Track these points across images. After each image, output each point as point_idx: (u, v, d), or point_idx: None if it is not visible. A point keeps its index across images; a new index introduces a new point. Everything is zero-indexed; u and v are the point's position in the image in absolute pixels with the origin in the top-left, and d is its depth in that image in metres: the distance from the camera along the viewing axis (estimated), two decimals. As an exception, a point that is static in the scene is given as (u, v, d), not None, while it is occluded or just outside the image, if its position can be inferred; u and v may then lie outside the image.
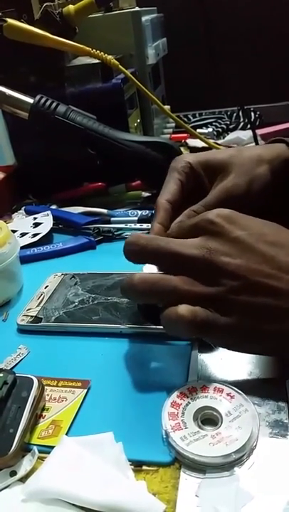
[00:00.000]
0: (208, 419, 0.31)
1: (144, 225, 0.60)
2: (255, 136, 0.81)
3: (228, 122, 1.02)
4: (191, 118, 1.06)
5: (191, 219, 0.36)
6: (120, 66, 0.70)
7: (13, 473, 0.29)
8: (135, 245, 0.35)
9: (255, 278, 0.30)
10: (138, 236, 0.36)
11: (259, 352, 0.34)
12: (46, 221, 0.63)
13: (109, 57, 0.69)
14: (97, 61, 0.70)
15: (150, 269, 0.49)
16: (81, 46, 0.68)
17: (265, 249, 0.31)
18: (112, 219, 0.62)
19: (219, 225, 0.33)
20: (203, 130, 0.95)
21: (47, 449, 0.30)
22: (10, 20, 0.66)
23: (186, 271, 0.33)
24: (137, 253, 0.35)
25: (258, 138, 0.83)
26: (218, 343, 0.35)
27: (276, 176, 0.42)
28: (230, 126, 1.00)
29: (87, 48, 0.68)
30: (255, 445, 0.29)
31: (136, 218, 0.62)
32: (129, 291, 0.35)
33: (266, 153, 0.43)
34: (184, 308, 0.32)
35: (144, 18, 0.80)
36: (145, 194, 0.70)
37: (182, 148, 0.83)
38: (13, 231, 0.61)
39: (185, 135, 0.93)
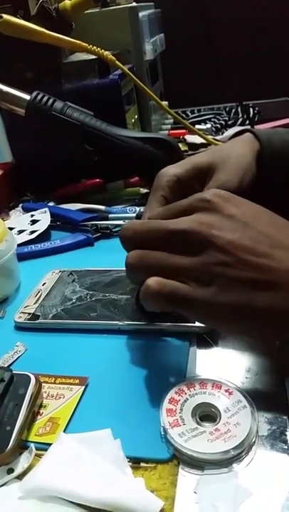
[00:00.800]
0: (207, 415, 0.31)
1: (142, 222, 0.60)
2: (253, 131, 0.81)
3: (226, 118, 1.01)
4: (190, 114, 1.06)
5: (182, 200, 0.35)
6: (117, 62, 0.69)
7: (11, 471, 0.29)
8: (128, 230, 0.35)
9: (245, 256, 0.29)
10: (131, 222, 0.35)
11: (245, 330, 0.32)
12: (44, 218, 0.62)
13: (106, 53, 0.69)
14: (94, 57, 0.69)
15: None
16: (78, 42, 0.68)
17: (260, 228, 0.31)
18: (110, 216, 0.62)
19: (214, 202, 0.32)
20: (202, 126, 0.95)
21: (44, 446, 0.30)
22: (6, 16, 0.65)
23: (176, 245, 0.32)
24: (130, 238, 0.35)
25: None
26: (198, 318, 0.33)
27: (258, 166, 0.42)
28: (229, 122, 1.00)
29: (84, 44, 0.68)
30: (254, 441, 0.29)
31: (134, 215, 0.61)
32: (125, 267, 0.34)
33: (245, 145, 0.43)
34: (151, 280, 0.31)
35: (141, 14, 0.80)
36: (143, 190, 0.70)
37: (180, 145, 0.83)
38: (11, 228, 0.61)
39: (183, 131, 0.92)
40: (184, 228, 0.32)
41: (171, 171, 0.41)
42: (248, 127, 0.87)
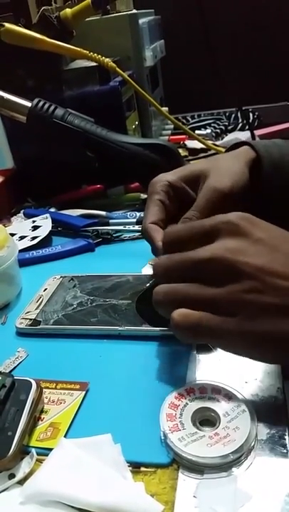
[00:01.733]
0: (206, 420, 0.31)
1: (143, 227, 0.60)
2: (253, 136, 0.82)
3: (226, 123, 1.02)
4: (190, 119, 1.06)
5: (204, 220, 0.34)
6: (118, 69, 0.70)
7: (12, 476, 0.29)
8: (159, 268, 0.34)
9: (276, 281, 0.29)
10: (159, 258, 0.35)
11: (271, 359, 0.31)
12: (45, 224, 0.63)
13: (107, 59, 0.69)
14: (94, 64, 0.70)
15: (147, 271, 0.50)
16: (78, 49, 0.69)
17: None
18: (111, 221, 0.63)
19: (241, 226, 0.31)
20: (202, 131, 0.95)
21: (45, 452, 0.30)
22: (7, 25, 0.66)
23: (204, 275, 0.31)
24: (161, 275, 0.34)
25: (257, 139, 0.83)
26: (227, 349, 0.31)
27: (250, 174, 0.43)
28: (229, 127, 1.00)
29: (85, 51, 0.69)
30: (253, 446, 0.29)
31: (134, 220, 0.62)
32: (153, 302, 0.34)
33: (239, 154, 0.44)
34: (175, 313, 0.31)
35: (141, 21, 0.80)
36: (144, 196, 0.70)
37: (181, 150, 0.83)
38: (12, 234, 0.61)
39: (183, 137, 0.93)
40: (209, 257, 0.31)
41: (164, 177, 0.42)
42: (245, 139, 0.87)
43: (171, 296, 0.32)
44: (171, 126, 0.96)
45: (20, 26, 0.68)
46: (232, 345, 0.31)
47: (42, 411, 0.34)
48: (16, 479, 0.29)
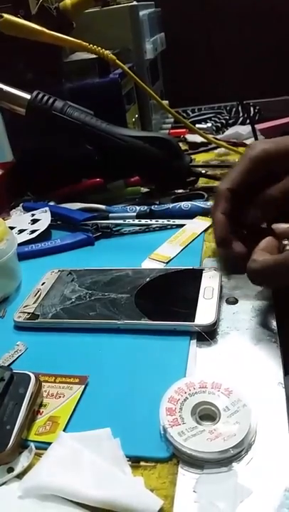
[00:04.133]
0: (206, 414, 0.31)
1: (143, 221, 0.60)
2: (254, 131, 0.81)
3: (227, 117, 1.01)
4: (190, 113, 1.05)
5: None
6: (118, 61, 0.69)
7: (11, 470, 0.29)
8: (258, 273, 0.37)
9: None
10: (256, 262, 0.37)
11: None
12: (44, 218, 0.62)
13: (107, 52, 0.69)
14: (94, 56, 0.69)
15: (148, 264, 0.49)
16: (78, 41, 0.68)
17: None
18: (111, 215, 0.62)
19: None
20: (202, 125, 0.95)
21: (44, 446, 0.30)
22: (6, 16, 0.65)
23: None
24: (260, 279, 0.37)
25: (258, 133, 0.82)
26: None
27: None
28: (230, 121, 0.99)
29: (85, 43, 0.68)
30: (254, 440, 0.29)
31: (134, 214, 0.61)
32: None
33: None
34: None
35: (141, 13, 0.80)
36: (144, 190, 0.70)
37: (181, 144, 0.83)
38: (11, 228, 0.61)
39: (184, 130, 0.92)
40: None
41: (264, 145, 0.41)
42: (246, 133, 0.87)
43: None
44: (172, 120, 0.95)
45: (19, 17, 0.67)
46: None
47: (41, 405, 0.34)
48: (15, 473, 0.29)
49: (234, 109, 1.05)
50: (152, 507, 0.26)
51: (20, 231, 0.61)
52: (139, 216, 0.61)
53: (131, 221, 0.60)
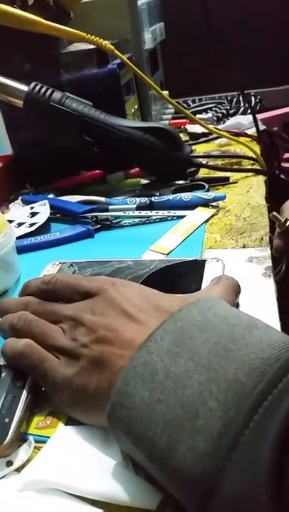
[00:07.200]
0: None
1: (143, 213, 0.59)
2: (255, 121, 0.80)
3: (228, 107, 1.00)
4: (191, 103, 1.05)
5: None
6: (116, 51, 0.68)
7: (10, 463, 0.29)
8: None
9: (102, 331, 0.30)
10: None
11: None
12: (43, 210, 0.62)
13: (105, 42, 0.68)
14: (92, 47, 0.68)
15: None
16: (76, 32, 0.67)
17: (123, 307, 0.31)
18: (110, 207, 0.62)
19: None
20: (203, 115, 0.94)
21: (44, 439, 0.30)
22: (2, 6, 0.64)
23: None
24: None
25: (259, 123, 0.81)
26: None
27: None
28: (231, 111, 0.99)
29: (82, 34, 0.67)
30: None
31: (134, 206, 0.61)
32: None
33: None
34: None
35: (140, 2, 0.78)
36: (144, 181, 0.69)
37: (181, 134, 0.82)
38: (10, 221, 0.60)
39: (184, 121, 0.92)
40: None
41: None
42: (247, 123, 0.86)
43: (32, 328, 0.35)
44: (172, 111, 0.94)
45: (15, 8, 0.66)
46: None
47: (41, 398, 0.33)
48: (14, 466, 0.29)
49: (235, 99, 1.04)
50: (152, 500, 0.25)
51: (20, 224, 0.60)
52: (139, 208, 0.60)
53: (131, 213, 0.60)
